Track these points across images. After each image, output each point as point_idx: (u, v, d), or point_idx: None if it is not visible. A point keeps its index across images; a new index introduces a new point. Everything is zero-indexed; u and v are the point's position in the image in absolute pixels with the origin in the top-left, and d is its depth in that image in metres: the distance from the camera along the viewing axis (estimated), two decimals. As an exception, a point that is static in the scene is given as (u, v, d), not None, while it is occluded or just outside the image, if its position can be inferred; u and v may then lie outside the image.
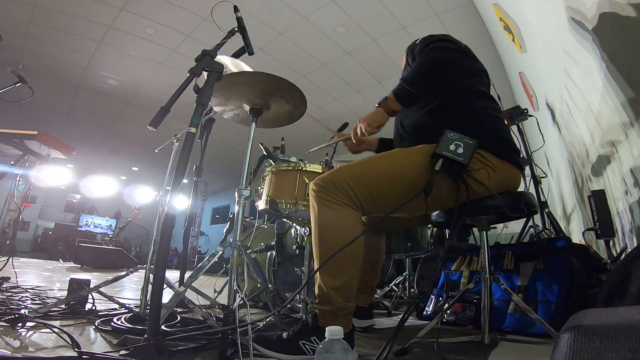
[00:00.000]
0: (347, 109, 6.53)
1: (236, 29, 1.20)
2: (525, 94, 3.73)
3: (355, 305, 1.02)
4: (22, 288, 2.02)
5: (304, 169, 1.47)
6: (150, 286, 1.43)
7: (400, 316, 1.89)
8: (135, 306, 1.58)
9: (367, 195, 1.03)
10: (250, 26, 1.23)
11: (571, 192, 2.87)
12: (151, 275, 1.39)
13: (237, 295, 1.11)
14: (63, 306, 1.41)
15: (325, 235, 1.01)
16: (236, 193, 1.33)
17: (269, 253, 1.87)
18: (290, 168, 1.48)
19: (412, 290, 2.58)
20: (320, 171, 1.47)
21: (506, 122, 2.38)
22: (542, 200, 2.40)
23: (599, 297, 1.14)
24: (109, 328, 1.18)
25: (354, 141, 1.34)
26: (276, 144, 1.92)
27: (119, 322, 1.22)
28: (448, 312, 1.67)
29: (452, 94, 1.16)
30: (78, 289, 1.49)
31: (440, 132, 1.03)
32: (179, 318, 1.33)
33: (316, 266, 1.02)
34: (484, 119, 1.13)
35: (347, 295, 0.98)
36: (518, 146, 1.23)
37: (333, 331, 0.66)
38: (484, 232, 1.18)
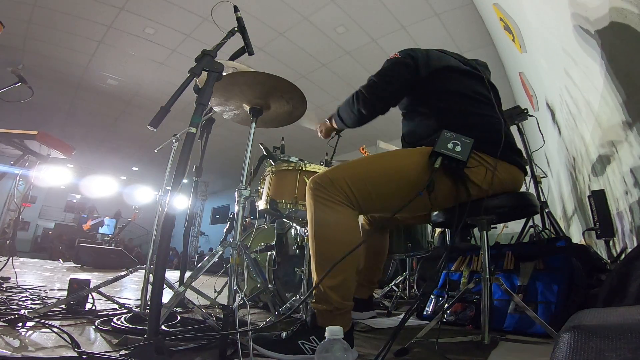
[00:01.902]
0: (347, 109, 6.53)
1: (236, 29, 1.21)
2: (525, 94, 3.73)
3: (353, 304, 1.02)
4: (22, 288, 2.02)
5: (304, 169, 1.47)
6: (150, 286, 1.43)
7: (401, 316, 1.89)
8: (135, 306, 1.58)
9: (366, 195, 1.03)
10: (250, 26, 1.23)
11: (571, 192, 2.87)
12: (151, 275, 1.39)
13: (237, 295, 1.11)
14: (63, 306, 1.41)
15: (322, 235, 1.01)
16: (236, 193, 1.33)
17: (269, 253, 1.87)
18: (291, 168, 1.48)
19: (412, 290, 2.58)
20: (320, 171, 1.47)
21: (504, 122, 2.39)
22: (542, 200, 2.39)
23: (599, 297, 1.14)
24: (109, 328, 1.18)
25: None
26: (276, 144, 1.92)
27: (119, 322, 1.22)
28: (448, 312, 1.67)
29: (437, 99, 1.18)
30: (78, 289, 1.49)
31: (433, 137, 1.05)
32: (179, 318, 1.33)
33: (312, 263, 1.02)
34: (474, 120, 1.13)
35: (345, 294, 0.98)
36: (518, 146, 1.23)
37: (333, 331, 0.66)
38: (484, 232, 1.18)
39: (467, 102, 1.17)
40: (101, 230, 9.05)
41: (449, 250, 1.57)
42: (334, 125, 1.44)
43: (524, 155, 2.44)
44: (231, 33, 1.19)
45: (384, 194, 1.04)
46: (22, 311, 1.28)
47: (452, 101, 1.17)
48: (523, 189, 1.27)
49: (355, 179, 1.02)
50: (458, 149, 0.98)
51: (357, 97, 1.25)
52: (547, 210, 2.32)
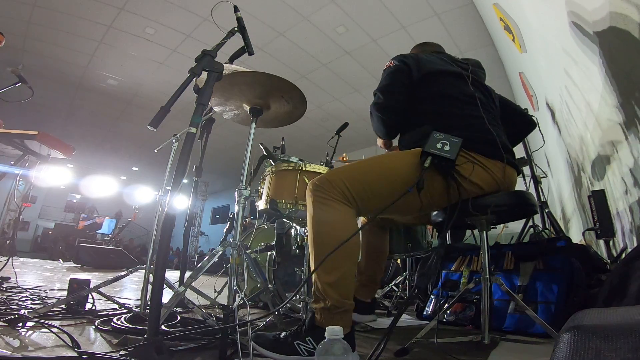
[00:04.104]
0: (347, 109, 6.53)
1: (236, 29, 1.20)
2: (525, 94, 3.73)
3: (353, 304, 1.02)
4: (22, 288, 2.02)
5: (304, 169, 1.47)
6: (150, 286, 1.43)
7: (402, 316, 1.89)
8: (135, 306, 1.58)
9: (362, 194, 1.05)
10: (250, 26, 1.23)
11: (571, 192, 2.87)
12: (151, 275, 1.39)
13: (237, 295, 1.11)
14: (63, 306, 1.41)
15: (320, 231, 1.02)
16: (236, 193, 1.33)
17: (269, 253, 1.87)
18: (291, 168, 1.49)
19: (412, 290, 2.58)
20: (320, 171, 1.47)
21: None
22: (542, 200, 2.39)
23: (599, 297, 1.14)
24: (109, 328, 1.18)
25: None
26: (276, 144, 1.92)
27: (119, 322, 1.22)
28: (448, 312, 1.67)
29: (427, 104, 1.21)
30: (78, 289, 1.49)
31: (426, 140, 1.07)
32: (179, 318, 1.33)
33: (312, 263, 1.03)
34: (465, 122, 1.16)
35: (344, 292, 0.98)
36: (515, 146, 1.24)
37: (333, 331, 0.65)
38: (484, 232, 1.18)
39: (457, 105, 1.19)
40: (99, 230, 9.10)
41: (441, 249, 1.58)
42: (387, 147, 1.50)
43: (525, 155, 2.47)
44: (231, 33, 1.19)
45: (379, 193, 1.06)
46: (22, 311, 1.28)
47: (442, 104, 1.20)
48: (523, 189, 1.27)
49: (352, 179, 1.05)
50: (447, 148, 1.02)
51: (372, 117, 1.32)
52: (547, 210, 2.31)
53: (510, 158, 1.15)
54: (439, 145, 1.02)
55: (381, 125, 1.30)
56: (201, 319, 1.31)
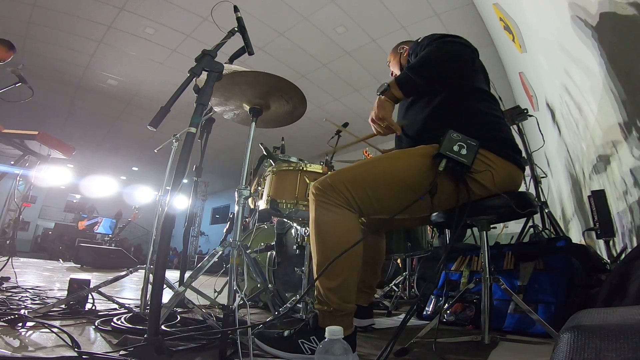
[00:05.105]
0: (347, 109, 6.53)
1: (236, 29, 1.21)
2: (525, 94, 3.73)
3: (355, 307, 1.02)
4: (22, 288, 2.02)
5: (304, 169, 1.47)
6: (150, 286, 1.43)
7: (402, 317, 1.89)
8: (135, 306, 1.58)
9: (365, 198, 1.03)
10: (250, 26, 1.23)
11: (571, 192, 2.87)
12: (151, 275, 1.39)
13: (237, 295, 1.11)
14: (63, 306, 1.41)
15: (322, 236, 1.01)
16: (236, 193, 1.33)
17: (269, 253, 1.87)
18: (291, 168, 1.48)
19: (412, 290, 2.59)
20: (320, 171, 1.47)
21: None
22: (542, 200, 2.39)
23: (599, 297, 1.14)
24: (109, 328, 1.18)
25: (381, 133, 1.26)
26: (276, 144, 1.92)
27: (118, 322, 1.22)
28: (448, 312, 1.67)
29: (452, 94, 1.16)
30: (78, 289, 1.49)
31: (438, 133, 1.03)
32: (179, 318, 1.33)
33: (314, 266, 1.03)
34: (486, 118, 1.13)
35: (345, 297, 0.98)
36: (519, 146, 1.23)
37: (333, 331, 0.66)
38: (484, 232, 1.18)
39: (484, 101, 1.17)
40: (99, 230, 9.11)
41: (447, 251, 1.57)
42: (397, 94, 1.15)
43: (525, 154, 2.47)
44: (231, 33, 1.19)
45: (383, 196, 1.04)
46: (22, 311, 1.28)
47: (471, 98, 1.16)
48: (523, 189, 1.27)
49: (353, 183, 1.02)
50: (464, 152, 0.97)
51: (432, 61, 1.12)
52: (547, 210, 2.31)
53: (519, 158, 1.13)
54: (455, 148, 0.97)
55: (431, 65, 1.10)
56: (201, 319, 1.31)
